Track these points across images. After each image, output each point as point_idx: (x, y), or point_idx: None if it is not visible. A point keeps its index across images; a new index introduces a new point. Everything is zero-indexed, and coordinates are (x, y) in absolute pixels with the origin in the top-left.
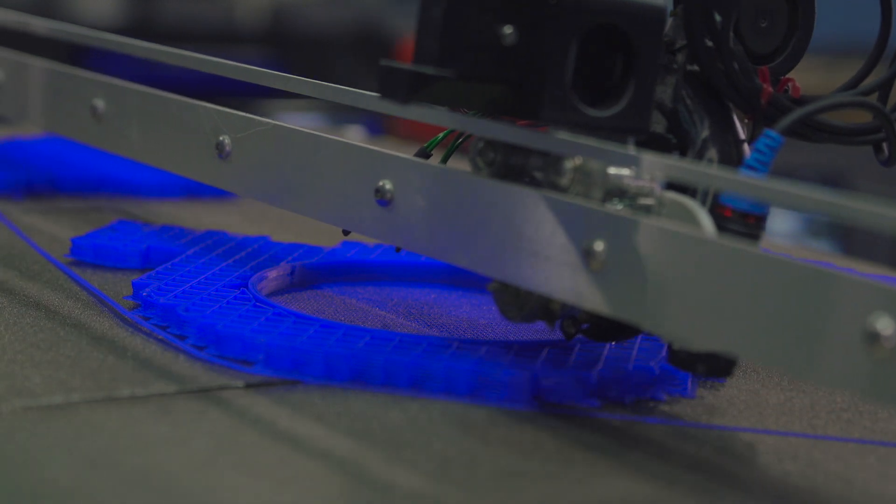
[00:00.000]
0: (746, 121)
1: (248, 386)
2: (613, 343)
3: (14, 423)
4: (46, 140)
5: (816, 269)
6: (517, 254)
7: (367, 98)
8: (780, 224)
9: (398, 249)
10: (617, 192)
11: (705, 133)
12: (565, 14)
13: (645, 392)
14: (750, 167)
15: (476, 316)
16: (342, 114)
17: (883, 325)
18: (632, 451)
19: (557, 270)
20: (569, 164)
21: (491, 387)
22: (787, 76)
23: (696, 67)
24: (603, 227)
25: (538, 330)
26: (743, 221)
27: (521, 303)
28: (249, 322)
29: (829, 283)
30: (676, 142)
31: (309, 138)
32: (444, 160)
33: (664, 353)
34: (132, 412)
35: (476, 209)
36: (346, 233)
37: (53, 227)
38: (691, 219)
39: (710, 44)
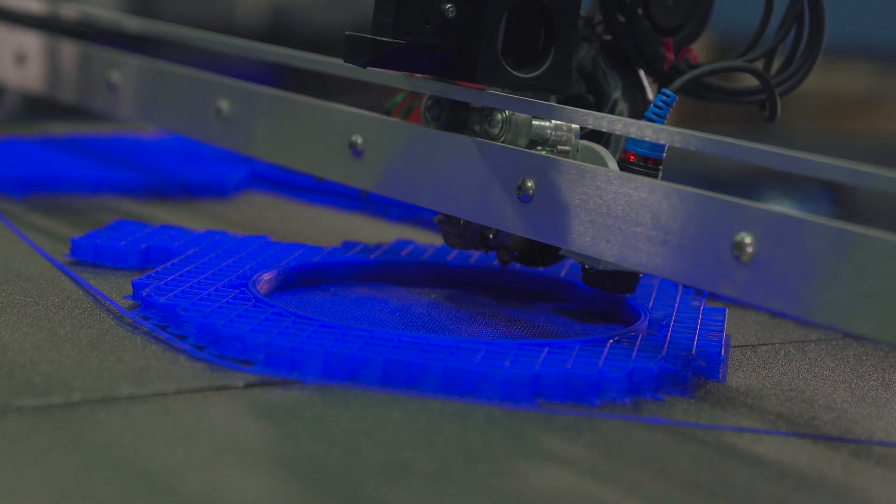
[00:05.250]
0: (656, 84)
1: (248, 386)
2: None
3: (15, 424)
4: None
5: None
6: (662, 247)
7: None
8: None
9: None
10: (540, 140)
11: (617, 93)
12: None
13: (645, 392)
14: (648, 119)
15: (477, 315)
16: None
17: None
18: (632, 451)
19: (698, 259)
20: (499, 116)
21: (491, 386)
22: (688, 46)
23: (610, 38)
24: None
25: (538, 332)
26: (645, 164)
27: (462, 232)
28: (249, 322)
29: None
30: (594, 100)
31: (445, 138)
32: (404, 118)
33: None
34: (132, 412)
35: (615, 205)
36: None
37: (53, 227)
38: (601, 161)
39: (622, 18)
